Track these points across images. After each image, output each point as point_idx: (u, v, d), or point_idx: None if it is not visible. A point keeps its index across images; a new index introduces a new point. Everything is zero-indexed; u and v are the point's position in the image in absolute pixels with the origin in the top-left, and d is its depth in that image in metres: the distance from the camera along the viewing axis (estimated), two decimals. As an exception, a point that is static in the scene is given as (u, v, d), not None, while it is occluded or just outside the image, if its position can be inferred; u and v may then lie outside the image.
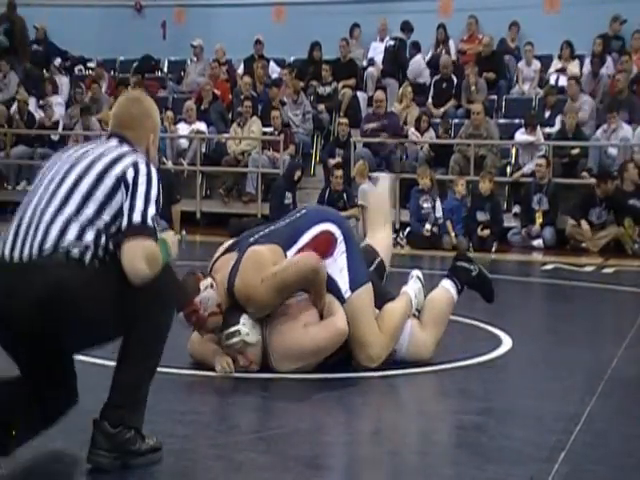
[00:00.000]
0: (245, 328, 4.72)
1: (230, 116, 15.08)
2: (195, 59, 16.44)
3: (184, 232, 12.05)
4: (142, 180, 3.23)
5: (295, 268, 4.73)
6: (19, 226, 3.24)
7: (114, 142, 3.42)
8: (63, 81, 16.78)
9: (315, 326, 4.83)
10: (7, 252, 3.19)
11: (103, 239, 3.19)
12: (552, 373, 5.18)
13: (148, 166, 3.29)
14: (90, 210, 3.19)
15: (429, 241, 11.86)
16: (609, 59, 14.44)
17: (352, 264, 4.95)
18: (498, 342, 5.78)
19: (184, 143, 14.40)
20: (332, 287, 4.88)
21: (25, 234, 3.19)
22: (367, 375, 4.91)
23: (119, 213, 3.20)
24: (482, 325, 6.32)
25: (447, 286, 5.31)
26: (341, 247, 4.95)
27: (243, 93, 14.88)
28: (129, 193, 3.21)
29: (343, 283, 4.90)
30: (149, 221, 3.18)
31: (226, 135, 14.44)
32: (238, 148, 14.09)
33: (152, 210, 3.20)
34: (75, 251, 3.15)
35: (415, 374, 5.00)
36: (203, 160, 14.20)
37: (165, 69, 17.51)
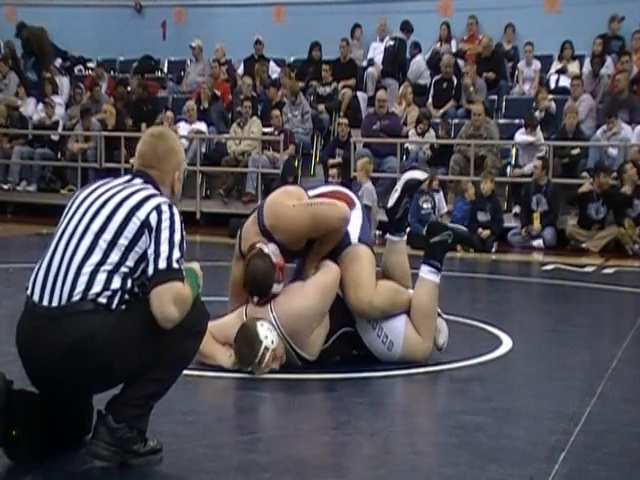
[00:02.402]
0: (267, 341, 4.76)
1: (230, 116, 15.09)
2: (194, 60, 16.44)
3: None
4: (165, 225, 3.27)
5: (330, 208, 4.98)
6: (48, 271, 3.29)
7: (138, 182, 3.45)
8: (63, 81, 16.76)
9: (312, 278, 4.96)
10: (37, 297, 3.27)
11: (129, 283, 3.26)
12: (552, 373, 5.19)
13: (171, 208, 3.33)
14: (116, 257, 3.24)
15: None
16: (609, 59, 14.43)
17: (364, 228, 5.19)
18: (498, 342, 5.78)
19: (184, 143, 14.38)
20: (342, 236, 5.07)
21: (54, 280, 3.26)
22: (367, 375, 4.92)
23: (143, 258, 3.25)
24: (482, 325, 6.32)
25: (427, 276, 5.26)
26: (358, 212, 5.19)
27: (243, 93, 14.89)
28: (153, 238, 3.25)
29: (353, 234, 5.10)
30: (174, 264, 3.22)
31: (226, 135, 14.44)
32: (238, 148, 14.09)
33: (177, 254, 3.24)
34: (103, 298, 3.21)
35: (415, 374, 5.00)
36: (203, 160, 14.19)
37: (165, 69, 17.51)
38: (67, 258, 3.27)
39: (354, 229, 5.11)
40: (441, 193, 12.24)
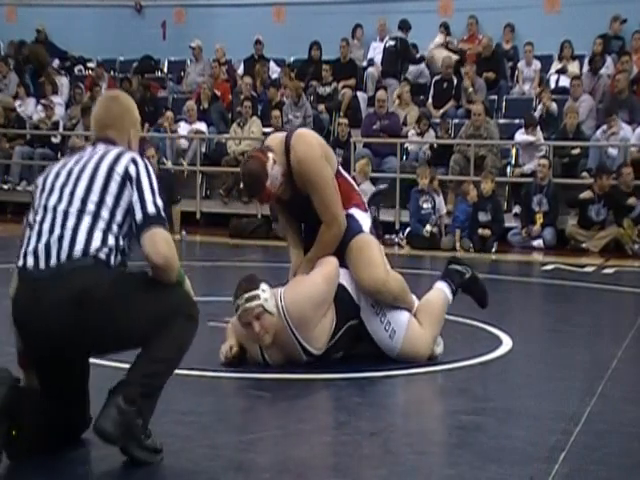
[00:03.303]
0: (265, 294, 4.79)
1: (230, 116, 15.09)
2: (194, 60, 16.45)
3: (184, 232, 12.06)
4: (144, 174, 3.41)
5: (336, 201, 5.02)
6: (39, 240, 3.32)
7: (102, 146, 3.54)
8: (63, 81, 16.77)
9: (316, 269, 5.00)
10: (31, 263, 3.29)
11: (121, 242, 3.35)
12: (552, 373, 5.18)
13: (144, 159, 3.48)
14: (106, 215, 3.33)
15: (429, 242, 11.84)
16: (609, 59, 14.44)
17: (373, 229, 5.25)
18: (498, 342, 5.78)
19: (184, 143, 14.40)
20: (354, 225, 5.11)
21: (47, 245, 3.29)
22: (367, 375, 4.92)
23: (129, 209, 3.35)
24: (482, 325, 6.32)
25: (442, 287, 5.41)
26: (367, 218, 5.23)
27: (243, 93, 14.89)
28: (135, 187, 3.36)
29: (365, 226, 5.16)
30: (161, 212, 3.36)
31: (226, 135, 14.44)
32: (238, 148, 14.09)
33: (160, 201, 3.38)
34: (102, 254, 3.28)
35: (415, 374, 5.00)
36: (203, 160, 14.20)
37: (165, 69, 17.52)
38: (59, 223, 3.32)
39: (366, 225, 5.17)
40: (441, 195, 12.22)
